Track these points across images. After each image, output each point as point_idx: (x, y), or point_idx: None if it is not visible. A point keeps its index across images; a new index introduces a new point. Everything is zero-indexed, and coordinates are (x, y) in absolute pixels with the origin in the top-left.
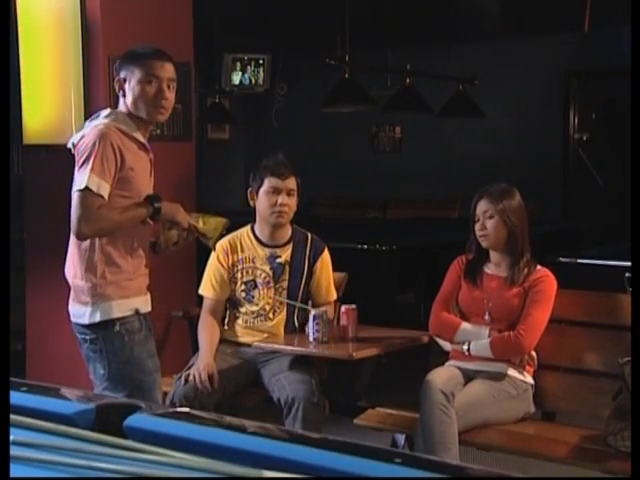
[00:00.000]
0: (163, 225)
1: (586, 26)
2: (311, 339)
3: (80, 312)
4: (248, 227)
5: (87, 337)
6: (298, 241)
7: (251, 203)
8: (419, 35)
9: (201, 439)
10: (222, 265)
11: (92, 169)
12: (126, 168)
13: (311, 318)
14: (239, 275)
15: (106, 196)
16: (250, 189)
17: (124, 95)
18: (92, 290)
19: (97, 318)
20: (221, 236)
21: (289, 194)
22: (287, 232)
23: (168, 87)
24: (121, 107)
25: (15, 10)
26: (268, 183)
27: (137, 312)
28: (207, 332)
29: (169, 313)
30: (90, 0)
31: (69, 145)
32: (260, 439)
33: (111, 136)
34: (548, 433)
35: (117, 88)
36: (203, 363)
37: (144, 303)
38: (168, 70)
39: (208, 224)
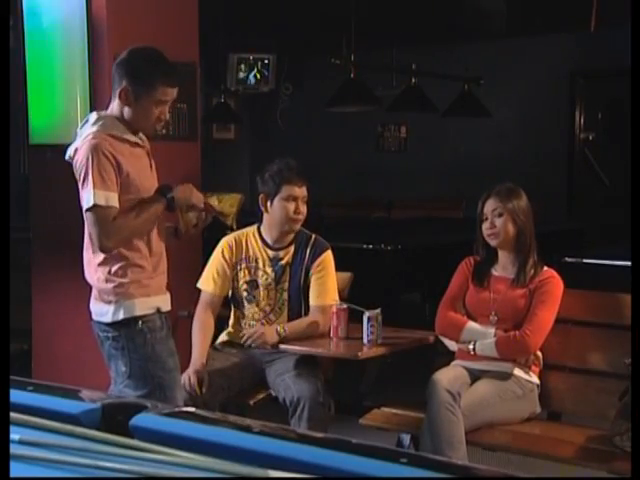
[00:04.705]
0: (180, 209)
1: (592, 26)
2: (365, 341)
3: (103, 310)
4: (254, 228)
5: (109, 335)
6: (300, 242)
7: (262, 209)
8: (425, 35)
9: (207, 439)
10: (226, 261)
11: (94, 185)
12: (124, 174)
13: (365, 320)
14: (241, 274)
15: (117, 205)
16: (262, 195)
17: (127, 105)
18: (115, 289)
19: (120, 316)
20: (238, 213)
21: (303, 201)
22: (292, 234)
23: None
24: (112, 110)
25: (21, 10)
26: (286, 191)
27: (158, 310)
28: (201, 329)
29: (175, 313)
30: (96, 0)
31: (67, 157)
32: (266, 439)
33: (102, 145)
34: (554, 433)
35: (120, 96)
36: (193, 367)
37: (165, 302)
38: (175, 93)
39: (224, 202)
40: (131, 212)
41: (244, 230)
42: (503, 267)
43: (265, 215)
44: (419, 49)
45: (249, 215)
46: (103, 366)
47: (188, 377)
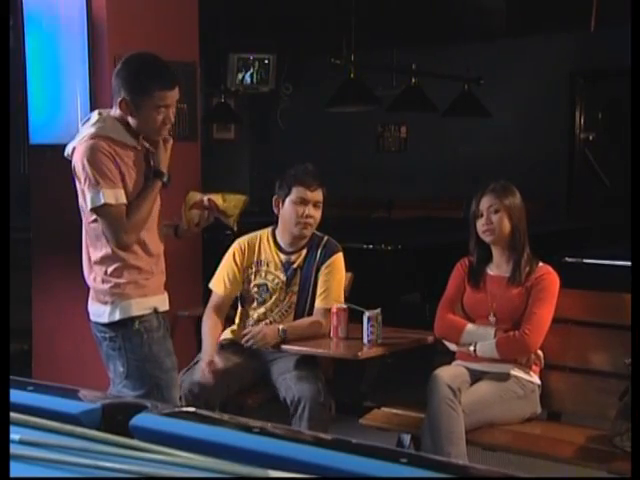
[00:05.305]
0: (184, 206)
1: (592, 26)
2: (365, 341)
3: (100, 311)
4: (269, 230)
5: (107, 335)
6: (312, 245)
7: (275, 211)
8: (425, 35)
9: (207, 439)
10: (236, 264)
11: (101, 185)
12: (120, 176)
13: (365, 320)
14: (252, 277)
15: (125, 200)
16: (276, 197)
17: (129, 114)
18: (112, 290)
19: (116, 317)
20: (241, 215)
21: (315, 206)
22: (306, 239)
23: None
24: (113, 112)
25: (21, 10)
26: (296, 193)
27: (155, 310)
28: (211, 327)
29: (175, 313)
30: (96, 0)
31: (66, 155)
32: (266, 439)
33: (100, 146)
34: (554, 433)
35: (121, 107)
36: (208, 358)
37: (162, 302)
38: (176, 94)
39: (228, 201)
40: (135, 200)
41: (258, 232)
42: (497, 266)
43: (279, 218)
44: (419, 49)
45: (249, 215)
46: (103, 366)
47: (201, 369)
